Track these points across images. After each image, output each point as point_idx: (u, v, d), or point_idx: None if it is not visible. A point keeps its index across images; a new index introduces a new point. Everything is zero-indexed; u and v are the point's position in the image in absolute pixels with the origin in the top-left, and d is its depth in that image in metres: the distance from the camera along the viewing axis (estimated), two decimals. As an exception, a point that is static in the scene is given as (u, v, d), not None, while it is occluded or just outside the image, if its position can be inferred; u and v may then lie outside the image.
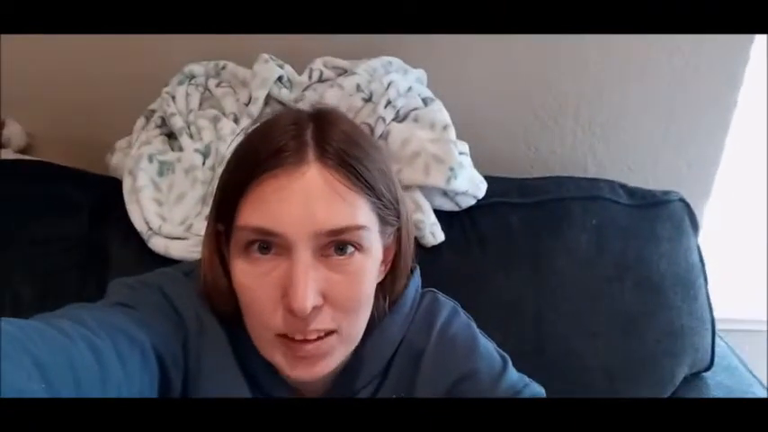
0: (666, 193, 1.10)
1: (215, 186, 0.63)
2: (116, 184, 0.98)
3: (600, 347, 1.00)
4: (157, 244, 0.92)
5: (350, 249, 0.57)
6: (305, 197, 0.55)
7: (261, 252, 0.56)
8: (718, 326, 1.13)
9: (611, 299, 1.01)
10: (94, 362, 0.48)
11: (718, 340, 1.13)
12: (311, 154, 0.56)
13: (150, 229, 0.92)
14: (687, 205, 1.09)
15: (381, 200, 0.59)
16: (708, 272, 1.10)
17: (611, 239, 1.02)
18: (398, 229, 0.64)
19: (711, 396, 1.05)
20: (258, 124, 0.62)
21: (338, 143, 0.57)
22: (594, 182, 1.10)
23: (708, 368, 1.09)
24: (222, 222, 0.61)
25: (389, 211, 0.61)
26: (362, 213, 0.57)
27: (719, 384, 1.08)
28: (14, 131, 1.15)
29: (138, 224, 0.93)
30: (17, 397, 0.39)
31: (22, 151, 1.17)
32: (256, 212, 0.55)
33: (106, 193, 0.99)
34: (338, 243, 0.56)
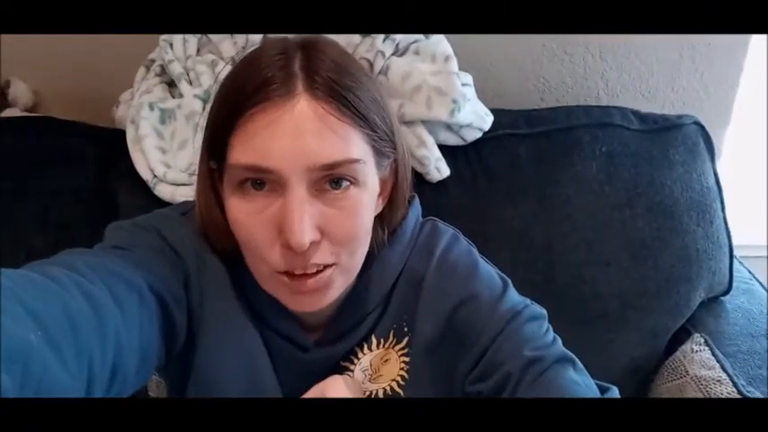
0: (680, 116, 1.06)
1: None
2: (122, 136, 0.98)
3: (612, 275, 0.98)
4: (163, 191, 0.93)
5: (345, 183, 0.56)
6: (296, 131, 0.53)
7: (255, 188, 0.55)
8: (742, 252, 1.10)
9: (623, 226, 0.99)
10: (89, 308, 0.47)
11: (738, 265, 1.11)
12: (300, 85, 0.54)
13: (155, 176, 0.93)
14: (702, 128, 1.06)
15: (375, 131, 0.58)
16: (729, 198, 1.07)
17: (621, 166, 1.00)
18: (395, 161, 0.63)
19: (730, 319, 1.04)
20: (245, 54, 0.60)
21: (328, 72, 0.55)
22: (605, 109, 1.07)
23: (726, 292, 1.08)
24: (214, 160, 0.60)
25: (384, 143, 0.60)
26: (356, 146, 0.56)
27: (739, 307, 1.06)
28: (20, 90, 1.15)
29: (144, 172, 0.94)
30: (11, 345, 0.38)
31: (30, 109, 1.17)
32: (247, 150, 0.54)
33: (112, 145, 0.99)
34: (333, 177, 0.55)
